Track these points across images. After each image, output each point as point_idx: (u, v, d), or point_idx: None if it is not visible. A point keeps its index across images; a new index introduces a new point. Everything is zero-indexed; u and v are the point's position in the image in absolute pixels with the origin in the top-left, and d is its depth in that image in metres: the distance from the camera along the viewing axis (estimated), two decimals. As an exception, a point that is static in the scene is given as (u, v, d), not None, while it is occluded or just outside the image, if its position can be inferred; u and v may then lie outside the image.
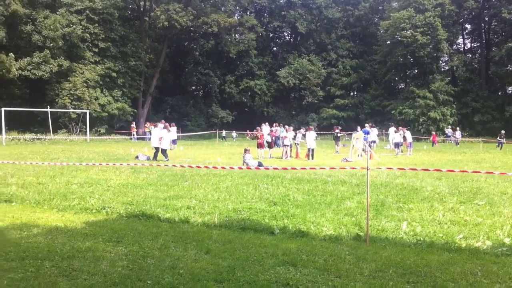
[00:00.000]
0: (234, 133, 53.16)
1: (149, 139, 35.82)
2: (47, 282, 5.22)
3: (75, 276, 5.45)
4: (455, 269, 6.04)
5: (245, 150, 20.94)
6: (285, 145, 25.35)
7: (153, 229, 7.88)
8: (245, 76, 64.06)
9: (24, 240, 7.08)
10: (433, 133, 45.35)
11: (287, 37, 71.93)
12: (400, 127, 30.89)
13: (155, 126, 23.77)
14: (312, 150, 23.77)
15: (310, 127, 26.53)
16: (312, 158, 23.49)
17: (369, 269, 5.98)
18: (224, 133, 50.46)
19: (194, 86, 69.21)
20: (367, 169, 7.57)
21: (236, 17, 62.68)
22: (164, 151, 21.90)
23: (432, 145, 39.49)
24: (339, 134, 30.26)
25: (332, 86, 61.99)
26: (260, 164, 19.00)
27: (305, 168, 13.10)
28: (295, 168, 14.00)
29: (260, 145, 25.20)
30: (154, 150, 22.33)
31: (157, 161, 20.71)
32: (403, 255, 6.67)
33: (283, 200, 10.39)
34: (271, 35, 70.73)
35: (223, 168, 14.33)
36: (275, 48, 71.82)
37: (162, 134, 22.42)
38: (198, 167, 13.62)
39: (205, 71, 62.39)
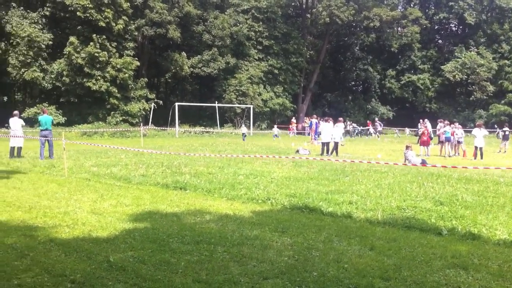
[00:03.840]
0: (396, 130, 51.03)
1: (309, 134, 36.44)
2: (220, 266, 5.56)
3: (245, 262, 5.73)
4: None
5: (407, 147, 20.25)
6: (440, 142, 24.37)
7: (316, 222, 8.00)
8: (407, 70, 61.79)
9: (198, 225, 7.60)
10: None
11: (453, 29, 67.77)
12: None
13: (326, 121, 24.00)
14: (480, 148, 22.18)
15: (479, 123, 24.74)
16: (481, 158, 21.93)
17: (552, 279, 5.46)
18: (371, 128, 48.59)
19: (354, 82, 68.61)
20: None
21: (399, 10, 60.78)
22: (335, 145, 22.07)
23: None
24: (507, 132, 27.80)
25: (504, 80, 57.06)
26: (423, 162, 18.23)
27: (477, 168, 12.31)
28: (466, 167, 13.21)
29: (424, 143, 24.19)
30: (323, 145, 22.46)
31: (335, 156, 20.79)
32: None
33: (450, 200, 9.87)
34: (436, 27, 67.09)
35: (386, 164, 14.03)
36: (440, 41, 68.10)
37: (332, 129, 22.58)
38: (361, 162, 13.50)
39: (365, 66, 61.46)
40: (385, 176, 13.53)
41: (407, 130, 50.14)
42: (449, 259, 6.06)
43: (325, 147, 22.28)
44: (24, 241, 6.49)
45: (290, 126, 47.30)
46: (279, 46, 53.25)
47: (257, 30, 51.21)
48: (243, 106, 47.69)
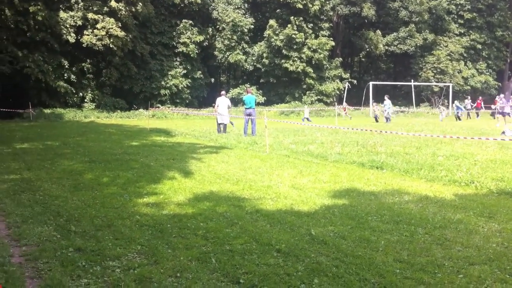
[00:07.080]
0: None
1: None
2: (422, 248, 5.43)
3: (448, 246, 5.53)
4: None
5: None
6: None
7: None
8: None
9: (396, 205, 7.50)
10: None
11: None
12: None
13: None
14: None
15: None
16: None
17: None
18: None
19: None
20: None
21: None
22: None
23: None
24: None
25: None
26: None
27: None
28: None
29: None
30: None
31: None
32: None
33: None
34: None
35: None
36: None
37: None
38: None
39: None
40: None
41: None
42: None
43: None
44: (233, 210, 7.06)
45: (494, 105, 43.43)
46: (482, 19, 49.31)
47: (458, 3, 48.08)
48: (441, 84, 45.34)
